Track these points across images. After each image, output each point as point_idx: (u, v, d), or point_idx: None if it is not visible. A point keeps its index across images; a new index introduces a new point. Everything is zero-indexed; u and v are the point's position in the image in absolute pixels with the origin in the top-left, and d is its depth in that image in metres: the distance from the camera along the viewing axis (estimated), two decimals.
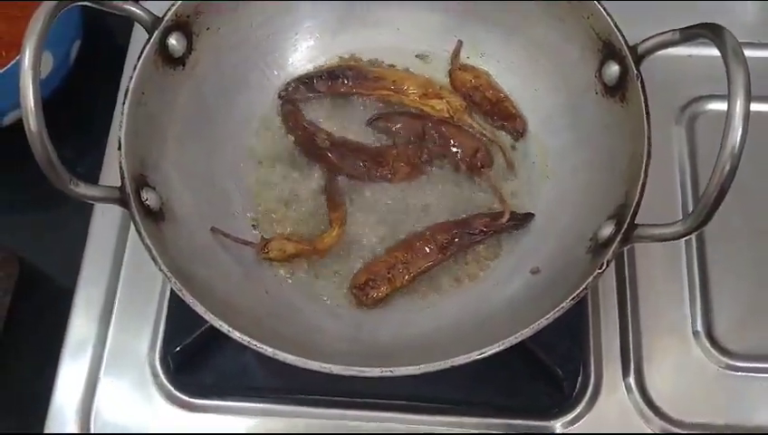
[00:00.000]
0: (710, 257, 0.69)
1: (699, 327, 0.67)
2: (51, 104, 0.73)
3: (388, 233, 0.67)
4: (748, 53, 0.72)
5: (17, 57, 0.67)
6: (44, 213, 0.77)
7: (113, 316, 0.69)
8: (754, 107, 0.71)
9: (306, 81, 0.72)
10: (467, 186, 0.69)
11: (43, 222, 0.77)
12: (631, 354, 0.66)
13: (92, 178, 0.74)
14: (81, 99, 0.81)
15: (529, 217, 0.66)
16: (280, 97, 0.72)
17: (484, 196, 0.68)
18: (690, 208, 0.71)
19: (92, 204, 0.73)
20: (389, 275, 0.64)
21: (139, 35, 0.78)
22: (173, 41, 0.63)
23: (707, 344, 0.66)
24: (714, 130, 0.72)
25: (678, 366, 0.66)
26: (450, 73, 0.72)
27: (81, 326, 0.68)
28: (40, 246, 0.75)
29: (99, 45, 0.82)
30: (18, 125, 0.71)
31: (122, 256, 0.71)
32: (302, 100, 0.72)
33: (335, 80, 0.72)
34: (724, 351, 0.66)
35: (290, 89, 0.72)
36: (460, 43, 0.72)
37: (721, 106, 0.73)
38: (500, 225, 0.65)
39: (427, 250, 0.65)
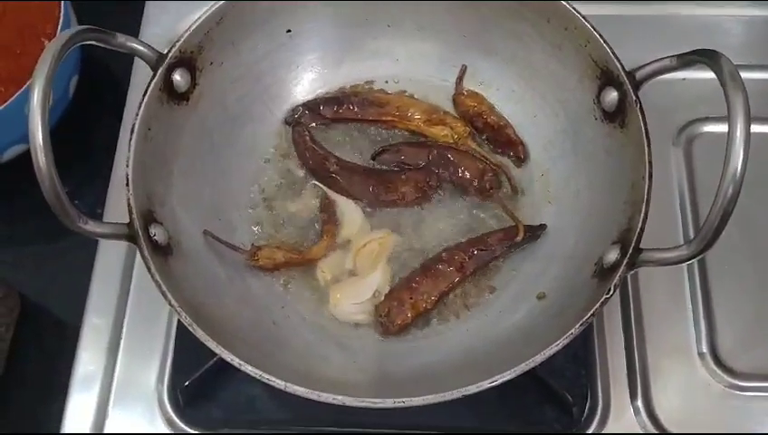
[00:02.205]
0: (713, 278, 0.69)
1: (704, 348, 0.67)
2: (50, 138, 0.74)
3: (399, 267, 0.67)
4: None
5: (18, 93, 0.67)
6: (46, 246, 0.77)
7: (120, 349, 0.69)
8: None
9: (312, 106, 0.73)
10: (476, 209, 0.69)
11: (45, 256, 0.76)
12: (638, 377, 0.66)
13: (94, 210, 0.74)
14: (81, 132, 0.81)
15: (542, 228, 0.67)
16: (287, 123, 0.73)
17: (493, 217, 0.69)
18: (690, 228, 0.72)
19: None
20: (412, 300, 0.64)
21: (140, 69, 0.78)
22: (177, 76, 0.63)
23: (713, 365, 0.66)
24: (711, 152, 0.74)
25: (685, 387, 0.66)
26: (454, 98, 0.73)
27: (88, 360, 0.68)
28: (42, 281, 0.75)
29: (97, 78, 0.83)
30: (18, 160, 0.72)
31: (128, 288, 0.71)
32: (308, 125, 0.73)
33: (341, 106, 0.73)
34: (729, 371, 0.66)
35: (296, 115, 0.73)
36: (464, 67, 0.73)
37: (717, 128, 0.75)
38: (515, 240, 0.66)
39: (447, 271, 0.65)
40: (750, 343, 0.67)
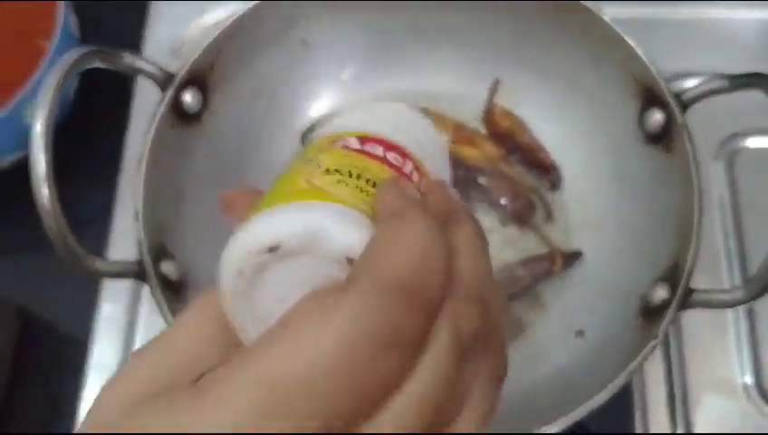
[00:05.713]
0: (757, 306, 0.65)
1: (749, 380, 0.63)
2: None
3: None
4: None
5: (15, 98, 0.64)
6: (50, 257, 0.73)
7: None
8: None
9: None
10: (507, 234, 0.65)
11: (49, 267, 0.72)
12: (678, 410, 0.63)
13: (104, 215, 0.71)
14: (86, 131, 0.76)
15: (577, 255, 0.63)
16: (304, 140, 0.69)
17: (526, 244, 0.65)
18: (732, 250, 0.68)
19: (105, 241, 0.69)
20: None
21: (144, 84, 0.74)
22: (188, 97, 0.59)
23: (758, 398, 0.63)
24: (755, 168, 0.70)
25: (728, 421, 0.62)
26: (485, 115, 0.68)
27: (96, 388, 0.65)
28: (45, 294, 0.70)
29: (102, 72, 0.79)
30: (18, 166, 0.68)
31: (137, 308, 0.67)
32: None
33: None
34: None
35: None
36: (497, 81, 0.68)
37: (762, 143, 0.71)
38: (552, 269, 0.62)
39: None
40: None
